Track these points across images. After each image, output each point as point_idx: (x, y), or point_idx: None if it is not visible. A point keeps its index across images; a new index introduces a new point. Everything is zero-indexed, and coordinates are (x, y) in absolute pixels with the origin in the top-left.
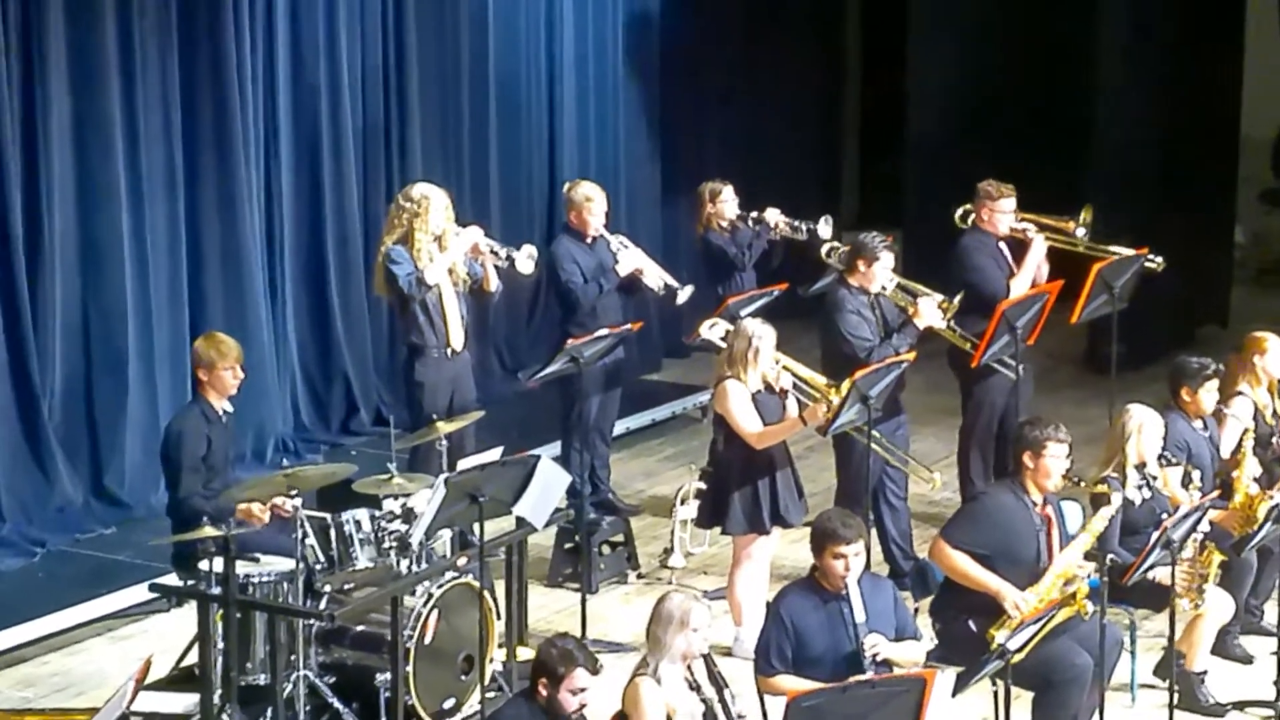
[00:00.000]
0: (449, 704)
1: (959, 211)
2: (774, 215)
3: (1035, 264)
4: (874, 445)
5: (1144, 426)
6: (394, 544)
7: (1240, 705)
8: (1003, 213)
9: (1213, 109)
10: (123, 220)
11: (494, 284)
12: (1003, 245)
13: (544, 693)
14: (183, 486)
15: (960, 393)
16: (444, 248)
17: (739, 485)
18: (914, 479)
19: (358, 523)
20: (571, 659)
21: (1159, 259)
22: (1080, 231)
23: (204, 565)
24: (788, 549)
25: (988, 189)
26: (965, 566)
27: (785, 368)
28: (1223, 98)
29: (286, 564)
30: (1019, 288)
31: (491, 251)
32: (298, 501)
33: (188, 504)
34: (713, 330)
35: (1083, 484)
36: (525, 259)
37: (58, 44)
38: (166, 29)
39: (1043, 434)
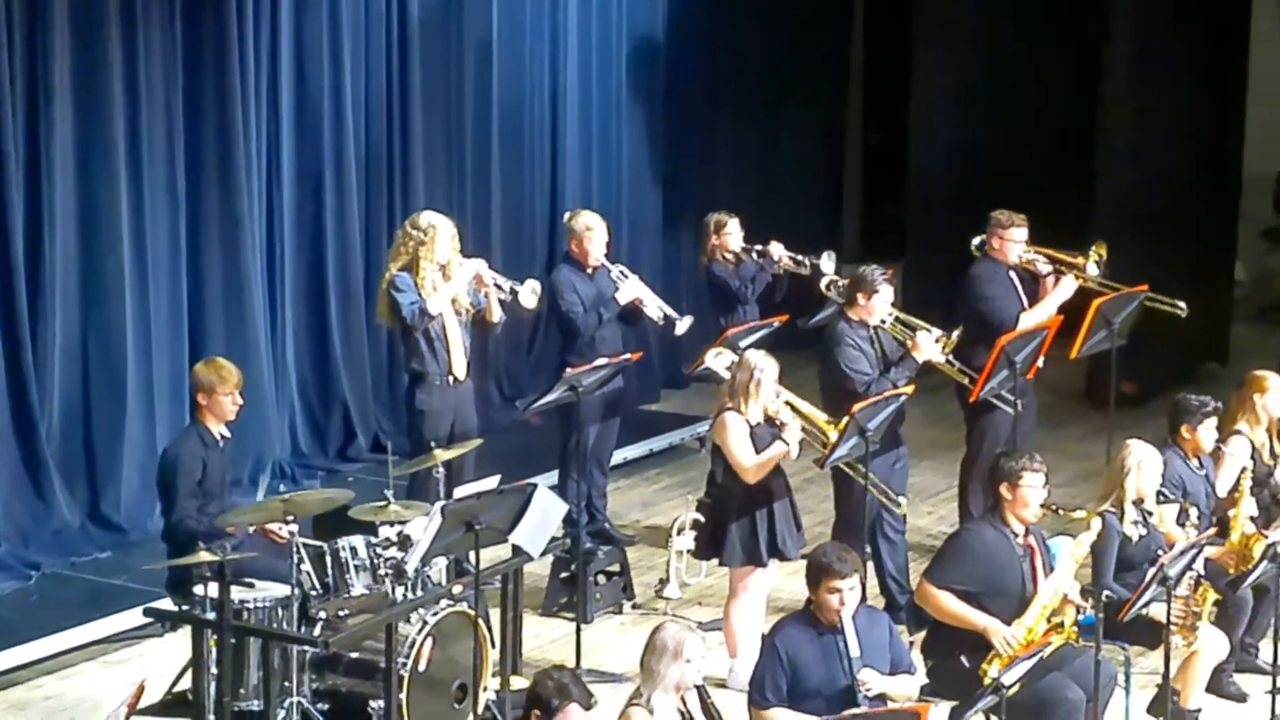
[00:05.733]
0: None
1: (975, 241)
2: (778, 249)
3: (1057, 303)
4: (869, 485)
5: (1143, 463)
6: (389, 571)
7: None
8: (1013, 241)
9: (1215, 146)
10: (124, 245)
11: (497, 315)
12: (1013, 275)
13: None
14: (178, 511)
15: (965, 424)
16: (448, 277)
17: (737, 517)
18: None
19: (353, 549)
20: (566, 693)
21: (1183, 304)
22: (1092, 268)
23: (199, 590)
24: (784, 581)
25: (999, 217)
26: (952, 606)
27: (786, 402)
28: (1225, 135)
29: (281, 590)
30: (1030, 321)
31: (495, 284)
32: (294, 527)
33: (183, 528)
34: (718, 360)
35: (1061, 512)
36: (529, 294)
37: (62, 69)
38: (171, 55)
39: (1018, 464)
